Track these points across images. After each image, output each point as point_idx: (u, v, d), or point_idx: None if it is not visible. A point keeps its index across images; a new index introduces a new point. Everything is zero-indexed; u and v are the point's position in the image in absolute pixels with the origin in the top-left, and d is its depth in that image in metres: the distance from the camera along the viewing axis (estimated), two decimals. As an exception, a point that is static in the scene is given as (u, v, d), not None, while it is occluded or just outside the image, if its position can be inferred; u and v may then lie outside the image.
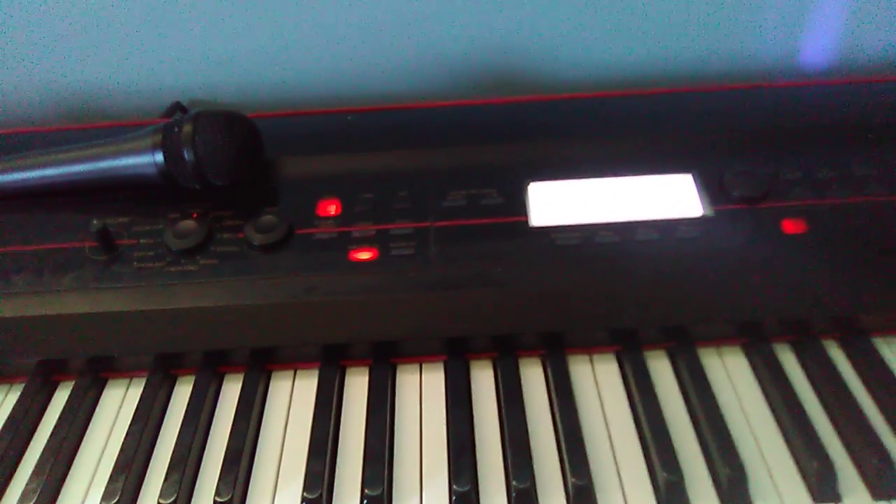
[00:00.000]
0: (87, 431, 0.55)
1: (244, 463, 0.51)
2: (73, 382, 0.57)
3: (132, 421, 0.54)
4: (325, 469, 0.50)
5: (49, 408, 0.57)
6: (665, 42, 0.74)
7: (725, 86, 0.71)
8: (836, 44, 0.75)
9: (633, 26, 0.73)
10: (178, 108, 0.78)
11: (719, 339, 0.58)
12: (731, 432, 0.51)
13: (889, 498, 0.48)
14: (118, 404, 0.56)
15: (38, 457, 0.52)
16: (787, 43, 0.75)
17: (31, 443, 0.54)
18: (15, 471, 0.53)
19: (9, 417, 0.55)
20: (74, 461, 0.53)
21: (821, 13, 0.72)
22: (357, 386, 0.56)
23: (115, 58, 0.75)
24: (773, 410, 0.53)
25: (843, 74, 0.76)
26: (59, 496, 0.51)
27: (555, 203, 0.60)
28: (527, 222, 0.59)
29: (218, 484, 0.50)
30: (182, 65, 0.76)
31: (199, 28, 0.73)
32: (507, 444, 0.51)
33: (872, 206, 0.59)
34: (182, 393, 0.57)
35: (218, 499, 0.49)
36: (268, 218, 0.60)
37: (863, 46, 0.75)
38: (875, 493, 0.48)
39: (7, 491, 0.51)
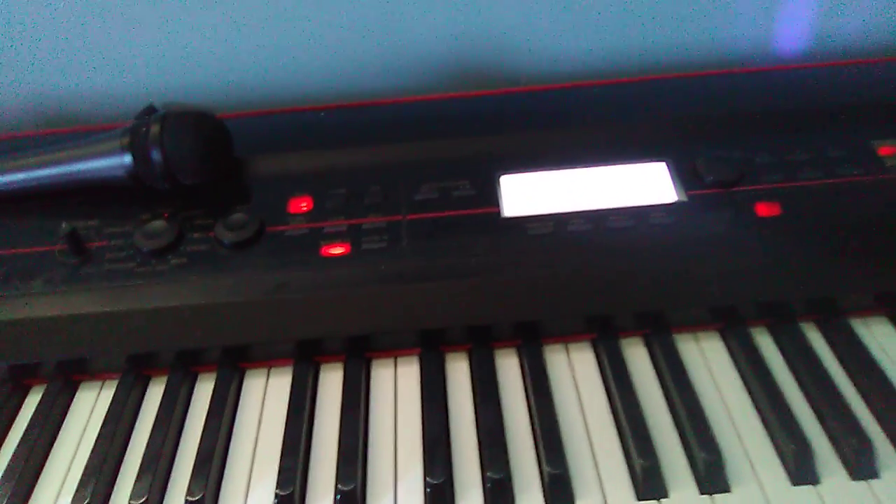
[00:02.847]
0: (59, 434, 0.54)
1: (216, 461, 0.51)
2: (44, 386, 0.57)
3: (104, 423, 0.53)
4: (298, 465, 0.50)
5: (21, 411, 0.56)
6: (636, 30, 0.74)
7: (697, 72, 0.72)
8: (807, 29, 0.75)
9: (603, 16, 0.73)
10: (151, 111, 0.77)
11: (695, 325, 0.57)
12: (708, 417, 0.51)
13: (866, 478, 0.48)
14: (90, 407, 0.56)
15: (8, 461, 0.51)
16: (758, 29, 0.74)
17: (2, 447, 0.53)
18: (-14, 476, 0.52)
19: (-20, 422, 0.54)
20: (45, 465, 0.52)
21: (791, -2, 0.73)
22: (331, 381, 0.56)
23: (88, 62, 0.75)
24: (751, 394, 0.53)
25: (812, 59, 0.76)
26: (30, 500, 0.50)
27: (527, 193, 0.60)
28: (499, 213, 0.59)
29: (190, 483, 0.49)
30: (156, 68, 0.76)
31: (172, 31, 0.73)
32: (481, 434, 0.51)
33: (844, 186, 0.59)
34: (155, 393, 0.56)
35: (189, 498, 0.48)
36: (238, 216, 0.60)
37: (833, 31, 0.75)
38: (853, 473, 0.48)
39: (-23, 496, 0.51)
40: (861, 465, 0.48)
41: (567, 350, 0.57)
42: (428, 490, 0.48)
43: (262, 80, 0.76)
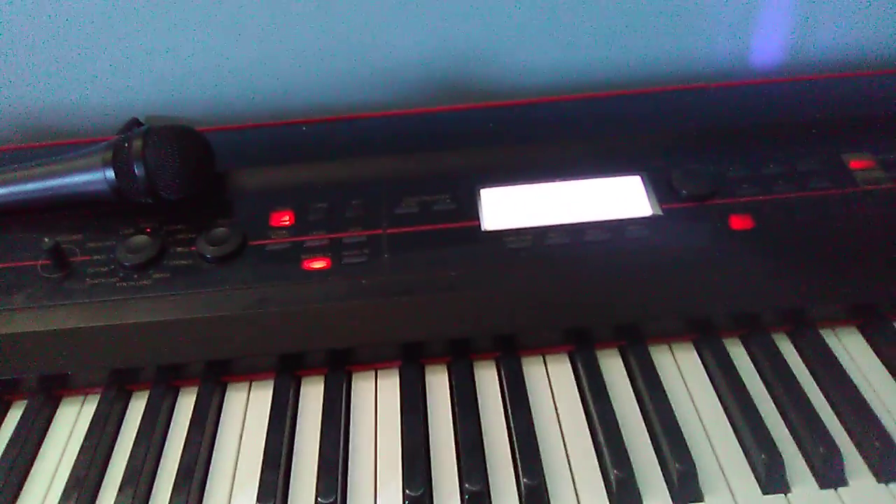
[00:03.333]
0: (41, 451, 0.54)
1: (198, 475, 0.51)
2: (25, 401, 0.57)
3: (85, 438, 0.54)
4: (279, 478, 0.50)
5: (2, 427, 0.56)
6: (612, 45, 0.75)
7: (672, 87, 0.73)
8: (780, 44, 0.76)
9: (580, 31, 0.74)
10: (135, 124, 0.78)
11: (670, 336, 0.58)
12: (683, 428, 0.52)
13: (835, 486, 0.49)
14: (72, 421, 0.56)
15: (-11, 477, 0.52)
16: (732, 43, 0.76)
17: (-16, 463, 0.54)
18: (-33, 492, 0.52)
19: (-39, 438, 0.54)
20: (27, 481, 0.52)
21: (763, 15, 0.74)
22: (312, 395, 0.56)
23: (73, 76, 0.75)
24: (724, 404, 0.54)
25: (786, 73, 0.77)
26: (11, 516, 0.51)
27: (506, 207, 0.61)
28: (479, 227, 0.60)
29: (171, 497, 0.50)
30: (140, 82, 0.76)
31: (155, 45, 0.74)
32: (460, 446, 0.52)
33: (817, 200, 0.60)
34: (137, 408, 0.56)
35: (170, 512, 0.49)
36: (220, 230, 0.60)
37: (805, 46, 0.76)
38: (822, 482, 0.49)
39: (-42, 513, 0.51)
40: (829, 473, 0.49)
41: (545, 362, 0.58)
42: (407, 502, 0.49)
43: (244, 94, 0.77)
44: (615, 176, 0.62)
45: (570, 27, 0.74)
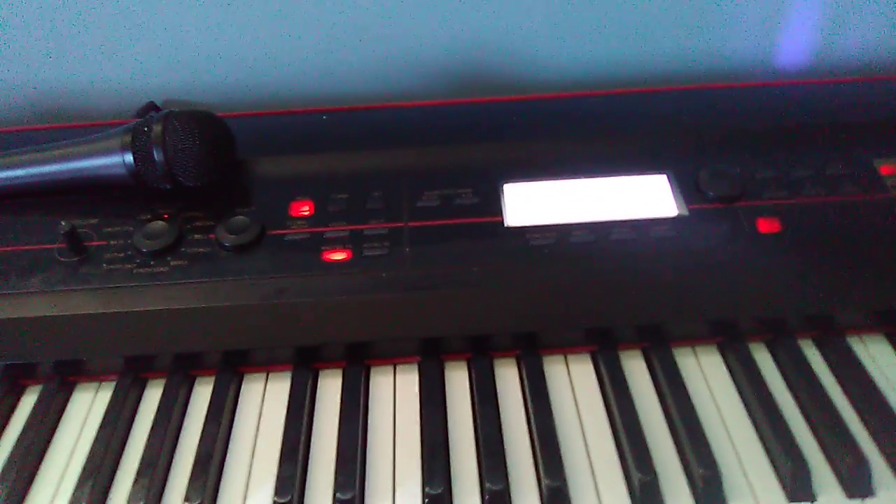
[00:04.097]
0: (55, 437, 0.54)
1: (214, 467, 0.50)
2: (40, 387, 0.56)
3: (100, 426, 0.53)
4: (296, 472, 0.49)
5: (16, 413, 0.55)
6: (640, 42, 0.74)
7: (700, 86, 0.72)
8: (811, 44, 0.75)
9: (607, 26, 0.73)
10: (152, 108, 0.77)
11: (694, 339, 0.57)
12: (706, 432, 0.51)
13: (863, 496, 0.48)
14: (87, 409, 0.55)
15: (3, 462, 0.51)
16: (761, 43, 0.75)
17: (-3, 449, 0.53)
18: (-21, 477, 0.51)
19: (-26, 423, 0.54)
20: (41, 467, 0.52)
21: (795, 14, 0.73)
22: (330, 388, 0.56)
23: (90, 58, 0.75)
24: (748, 409, 0.53)
25: (816, 75, 0.76)
26: (25, 503, 0.50)
27: (529, 203, 0.60)
28: (501, 222, 0.59)
29: (187, 488, 0.49)
30: (157, 65, 0.75)
31: (174, 28, 0.73)
32: (480, 445, 0.51)
33: (846, 204, 0.59)
34: (152, 396, 0.56)
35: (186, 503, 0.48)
36: (240, 219, 0.59)
37: (836, 47, 0.75)
38: (849, 491, 0.48)
39: (-29, 498, 0.50)
40: (857, 483, 0.48)
41: (566, 362, 0.57)
42: (427, 500, 0.48)
43: (264, 80, 0.76)
44: (641, 174, 0.61)
45: (598, 22, 0.73)
